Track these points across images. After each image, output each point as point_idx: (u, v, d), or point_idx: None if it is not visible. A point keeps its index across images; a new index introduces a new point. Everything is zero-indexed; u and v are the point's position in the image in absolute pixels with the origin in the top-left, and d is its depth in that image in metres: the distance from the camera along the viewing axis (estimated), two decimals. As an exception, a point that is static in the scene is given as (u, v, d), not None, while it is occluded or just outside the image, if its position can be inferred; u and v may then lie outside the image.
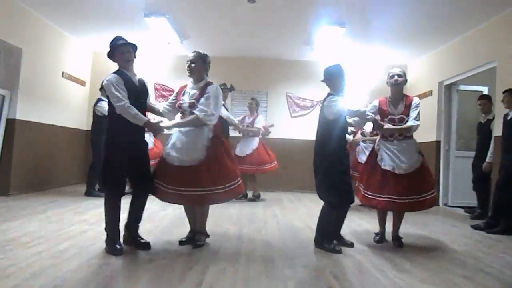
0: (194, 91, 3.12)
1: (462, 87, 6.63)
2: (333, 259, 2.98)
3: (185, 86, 3.22)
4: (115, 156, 2.87)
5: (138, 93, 2.97)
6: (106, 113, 3.11)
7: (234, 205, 5.53)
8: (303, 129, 7.91)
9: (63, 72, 6.81)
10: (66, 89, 6.99)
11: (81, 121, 7.60)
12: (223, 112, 5.96)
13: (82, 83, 7.57)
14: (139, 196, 3.08)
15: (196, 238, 3.17)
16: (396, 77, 3.52)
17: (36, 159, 6.09)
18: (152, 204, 5.02)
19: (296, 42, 6.87)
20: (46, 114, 6.35)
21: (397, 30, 6.02)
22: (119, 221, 2.94)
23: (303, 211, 5.33)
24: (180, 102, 3.12)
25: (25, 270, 2.39)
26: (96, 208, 4.66)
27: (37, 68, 6.04)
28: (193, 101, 3.06)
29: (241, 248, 3.20)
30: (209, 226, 3.91)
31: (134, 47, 3.03)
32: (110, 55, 3.01)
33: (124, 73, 2.94)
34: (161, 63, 7.86)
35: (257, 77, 8.04)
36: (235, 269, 2.63)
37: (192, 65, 3.16)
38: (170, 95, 8.09)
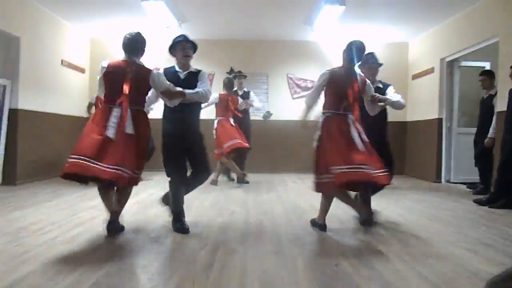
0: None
1: (464, 63, 6.60)
2: (339, 237, 3.05)
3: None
4: (165, 143, 3.17)
5: (181, 86, 3.05)
6: None
7: (238, 189, 5.60)
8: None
9: (62, 60, 6.78)
10: (66, 77, 6.96)
11: (83, 108, 7.59)
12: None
13: (82, 70, 7.53)
14: (194, 178, 3.29)
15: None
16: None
17: (40, 148, 6.13)
18: (159, 188, 5.11)
19: (296, 22, 6.79)
20: (48, 103, 6.35)
21: (397, 7, 5.94)
22: (178, 203, 3.18)
23: (306, 192, 5.39)
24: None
25: (40, 256, 2.46)
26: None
27: (36, 57, 6.01)
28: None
29: (248, 229, 3.26)
30: (216, 210, 3.99)
31: (194, 46, 3.23)
32: (171, 49, 3.24)
33: (171, 69, 3.20)
34: (160, 48, 7.78)
35: (257, 59, 7.98)
36: (245, 249, 2.70)
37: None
38: (170, 80, 8.13)
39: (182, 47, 3.16)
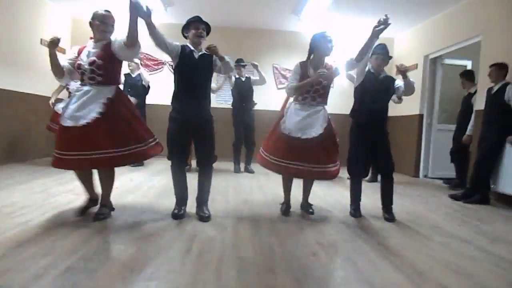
0: (95, 50, 2.94)
1: (447, 60, 6.70)
2: (317, 227, 3.08)
3: (84, 47, 3.04)
4: (170, 128, 3.15)
5: (195, 66, 3.08)
6: None
7: (219, 176, 5.58)
8: (289, 100, 7.90)
9: (41, 39, 6.55)
10: (46, 57, 6.68)
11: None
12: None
13: (62, 50, 7.29)
14: (199, 173, 3.27)
15: (99, 210, 3.01)
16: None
17: (17, 129, 5.94)
18: (138, 175, 5.03)
19: (283, 11, 6.74)
20: (25, 83, 6.14)
21: (384, 2, 5.96)
22: (180, 189, 3.21)
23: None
24: (79, 62, 2.94)
25: (11, 239, 2.39)
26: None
27: (13, 36, 5.78)
28: (94, 58, 2.88)
29: (228, 217, 3.26)
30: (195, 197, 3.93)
31: (208, 27, 3.21)
32: (185, 29, 3.20)
33: (187, 47, 3.13)
34: (144, 31, 7.61)
35: (243, 48, 7.89)
36: (223, 237, 2.69)
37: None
38: (154, 64, 7.97)
39: (195, 26, 3.12)
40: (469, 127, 5.19)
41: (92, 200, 3.19)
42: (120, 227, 2.80)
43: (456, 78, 5.92)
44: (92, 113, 2.81)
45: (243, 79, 6.26)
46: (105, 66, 2.90)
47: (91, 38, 3.03)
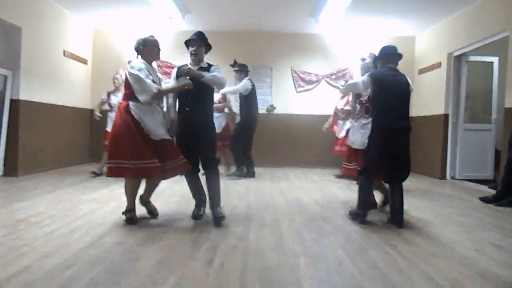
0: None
1: (472, 57, 6.47)
2: (342, 233, 2.99)
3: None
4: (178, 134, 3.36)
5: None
6: None
7: (240, 182, 5.55)
8: (308, 104, 7.83)
9: (64, 51, 6.71)
10: (68, 67, 6.90)
11: (85, 100, 7.55)
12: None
13: (84, 61, 7.47)
14: (206, 177, 3.38)
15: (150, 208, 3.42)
16: None
17: (42, 140, 6.10)
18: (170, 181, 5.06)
19: (301, 14, 6.68)
20: (50, 94, 6.30)
21: (403, 1, 5.82)
22: (195, 191, 3.40)
23: (309, 186, 5.34)
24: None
25: (37, 249, 2.42)
26: (104, 188, 4.69)
27: (38, 47, 5.95)
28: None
29: (250, 224, 3.21)
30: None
31: (205, 45, 3.36)
32: (187, 47, 3.40)
33: (184, 65, 3.32)
34: (163, 39, 7.70)
35: (261, 52, 7.88)
36: (245, 245, 2.65)
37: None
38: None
39: (191, 44, 3.32)
40: None
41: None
42: (143, 236, 2.80)
43: (482, 75, 5.70)
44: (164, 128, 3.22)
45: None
46: None
47: (129, 62, 3.26)
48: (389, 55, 3.43)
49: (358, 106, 3.87)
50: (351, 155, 4.02)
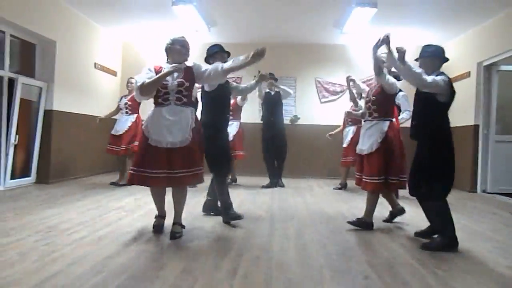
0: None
1: (503, 67, 6.27)
2: (368, 247, 2.93)
3: (160, 67, 3.11)
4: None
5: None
6: None
7: (264, 192, 5.55)
8: (332, 114, 7.77)
9: (95, 63, 6.98)
10: (99, 79, 7.16)
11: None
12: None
13: (114, 73, 7.73)
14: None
15: (175, 229, 3.06)
16: None
17: (73, 149, 6.32)
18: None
19: (325, 25, 6.68)
20: (81, 104, 6.55)
21: (431, 9, 5.72)
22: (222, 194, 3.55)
23: (332, 198, 5.27)
24: (164, 82, 3.01)
25: (67, 256, 2.50)
26: (131, 196, 4.80)
27: (71, 60, 6.21)
28: (182, 80, 3.04)
29: (273, 235, 3.20)
30: (242, 213, 3.92)
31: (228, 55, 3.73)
32: (210, 58, 3.73)
33: None
34: (194, 47, 7.87)
35: (285, 63, 7.92)
36: (269, 256, 2.64)
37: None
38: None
39: (221, 56, 3.55)
40: None
41: (161, 217, 3.29)
42: (167, 245, 2.84)
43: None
44: (186, 135, 3.00)
45: (273, 93, 6.23)
46: (188, 88, 3.09)
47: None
48: (446, 59, 3.24)
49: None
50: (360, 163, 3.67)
